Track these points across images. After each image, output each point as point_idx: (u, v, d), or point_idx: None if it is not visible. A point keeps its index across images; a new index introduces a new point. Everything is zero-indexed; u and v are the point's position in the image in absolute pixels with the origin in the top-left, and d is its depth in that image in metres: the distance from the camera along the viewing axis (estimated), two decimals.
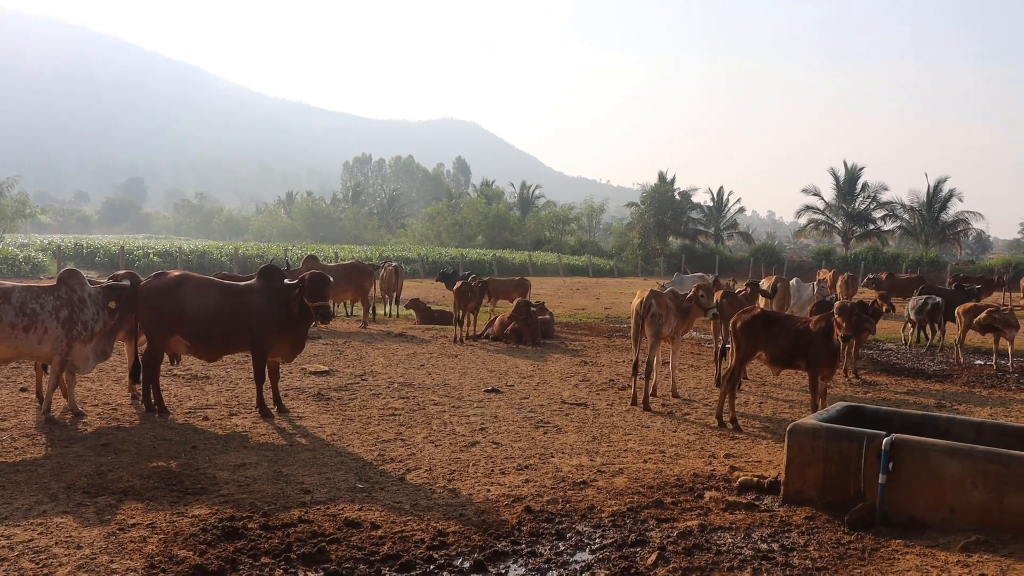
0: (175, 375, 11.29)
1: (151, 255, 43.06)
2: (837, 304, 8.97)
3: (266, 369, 9.51)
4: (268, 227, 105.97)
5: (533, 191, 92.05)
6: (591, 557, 5.50)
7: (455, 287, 17.39)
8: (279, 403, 9.67)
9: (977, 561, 5.48)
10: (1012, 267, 49.92)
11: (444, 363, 13.76)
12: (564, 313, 23.79)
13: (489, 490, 6.87)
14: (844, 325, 8.72)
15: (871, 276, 29.59)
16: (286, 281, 9.46)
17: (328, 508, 6.25)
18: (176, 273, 9.51)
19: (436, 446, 8.27)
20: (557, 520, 6.19)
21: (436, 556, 5.41)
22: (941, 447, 6.23)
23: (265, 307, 9.26)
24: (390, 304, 22.73)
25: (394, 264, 23.24)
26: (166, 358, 9.70)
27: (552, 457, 8.01)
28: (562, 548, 5.65)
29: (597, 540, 5.82)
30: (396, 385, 11.53)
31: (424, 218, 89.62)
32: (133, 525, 5.72)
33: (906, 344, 18.79)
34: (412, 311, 21.06)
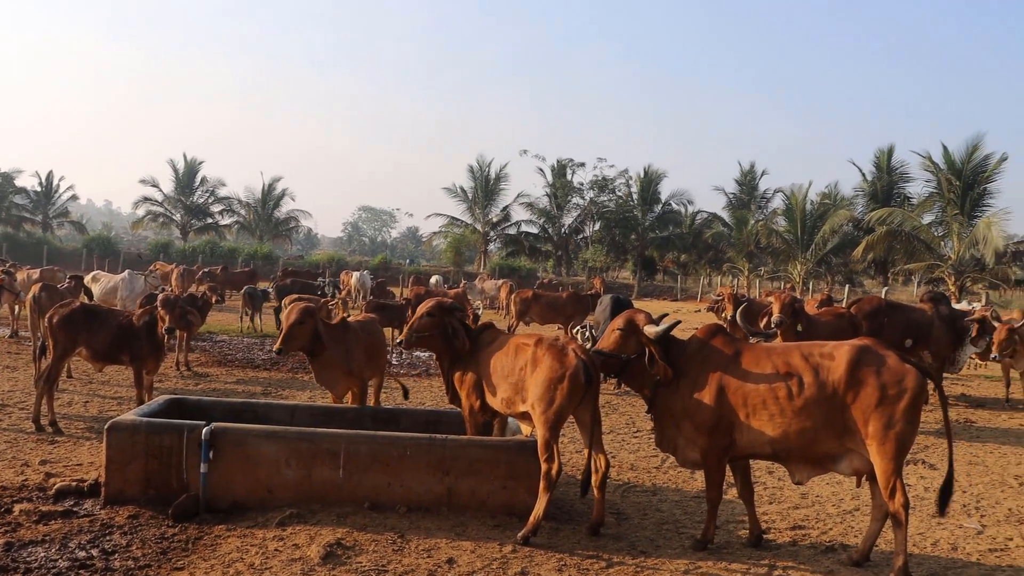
0: None
1: None
2: (160, 297, 8.97)
3: None
4: None
5: None
6: None
7: None
8: None
9: (291, 533, 5.95)
10: (335, 262, 55.48)
11: None
12: None
13: None
14: (168, 318, 8.77)
15: (206, 270, 30.11)
16: None
17: None
18: None
19: None
20: None
21: None
22: (257, 432, 6.59)
23: None
24: None
25: None
26: None
27: None
28: None
29: None
30: None
31: None
32: None
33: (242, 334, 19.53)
34: None
